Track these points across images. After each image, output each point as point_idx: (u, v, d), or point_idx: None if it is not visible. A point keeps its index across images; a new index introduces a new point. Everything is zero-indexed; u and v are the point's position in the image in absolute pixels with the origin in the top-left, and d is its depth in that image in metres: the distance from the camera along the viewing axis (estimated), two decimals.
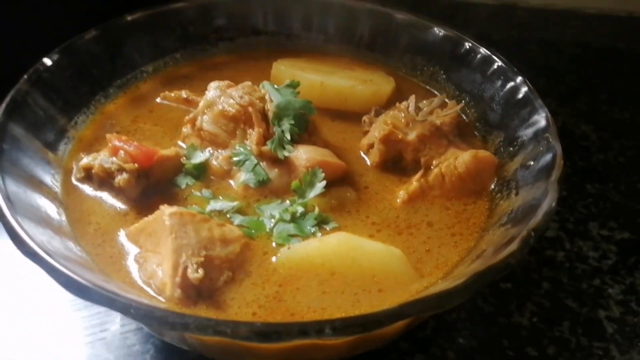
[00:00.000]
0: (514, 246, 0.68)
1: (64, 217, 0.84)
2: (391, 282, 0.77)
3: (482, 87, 1.05)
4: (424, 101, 1.07)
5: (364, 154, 1.00)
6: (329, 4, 1.23)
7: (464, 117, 1.08)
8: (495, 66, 1.05)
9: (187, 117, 0.98)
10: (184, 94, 1.08)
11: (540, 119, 0.89)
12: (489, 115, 1.04)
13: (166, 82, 1.15)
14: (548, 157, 0.83)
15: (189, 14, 1.19)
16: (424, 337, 0.97)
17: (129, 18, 1.12)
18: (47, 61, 0.98)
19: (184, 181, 0.91)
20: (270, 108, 0.93)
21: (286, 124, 0.91)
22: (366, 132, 1.01)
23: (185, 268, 0.73)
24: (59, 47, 1.01)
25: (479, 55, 1.07)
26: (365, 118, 1.02)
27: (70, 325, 0.94)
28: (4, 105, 0.86)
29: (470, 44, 1.09)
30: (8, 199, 0.71)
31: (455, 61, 1.11)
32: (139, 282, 0.77)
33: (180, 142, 1.00)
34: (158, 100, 1.10)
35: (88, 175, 0.90)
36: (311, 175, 0.88)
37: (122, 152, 0.87)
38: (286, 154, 0.90)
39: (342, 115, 1.08)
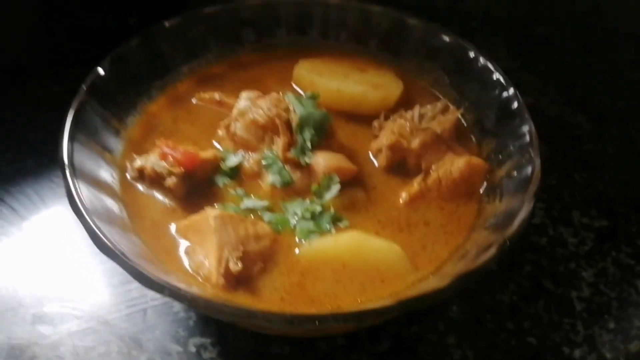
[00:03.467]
0: (491, 252, 0.85)
1: (124, 214, 1.02)
2: (391, 274, 0.95)
3: (480, 94, 1.18)
4: (428, 106, 1.21)
5: (373, 156, 1.16)
6: (346, 9, 1.35)
7: (463, 122, 1.23)
8: (493, 77, 1.16)
9: (222, 123, 1.14)
10: (216, 96, 1.23)
11: (526, 133, 1.03)
12: (484, 122, 1.18)
13: (201, 81, 1.30)
14: (528, 170, 0.98)
15: (220, 17, 1.32)
16: (420, 312, 1.16)
17: (167, 24, 1.26)
18: (101, 71, 1.13)
19: (221, 180, 1.09)
20: (294, 118, 1.08)
21: (307, 134, 1.07)
22: (376, 136, 1.17)
23: (227, 261, 0.91)
24: (108, 55, 1.16)
25: (479, 65, 1.19)
26: (375, 123, 1.17)
27: (123, 296, 1.14)
28: (70, 117, 1.02)
29: (473, 54, 1.21)
30: (86, 208, 0.88)
31: (459, 68, 1.24)
32: (190, 270, 0.96)
33: (215, 143, 1.16)
34: (193, 101, 1.25)
35: (141, 175, 1.08)
36: (328, 179, 1.05)
37: (170, 157, 1.04)
38: (307, 160, 1.06)
39: (355, 117, 1.23)
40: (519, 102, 1.08)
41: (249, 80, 1.31)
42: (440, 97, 1.28)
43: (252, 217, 1.02)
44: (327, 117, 1.09)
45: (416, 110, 1.13)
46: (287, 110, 1.10)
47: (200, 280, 0.94)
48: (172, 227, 1.02)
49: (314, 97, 1.11)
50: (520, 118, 1.06)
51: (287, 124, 1.09)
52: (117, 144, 1.14)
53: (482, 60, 1.20)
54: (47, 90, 1.50)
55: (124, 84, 1.18)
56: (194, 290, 0.83)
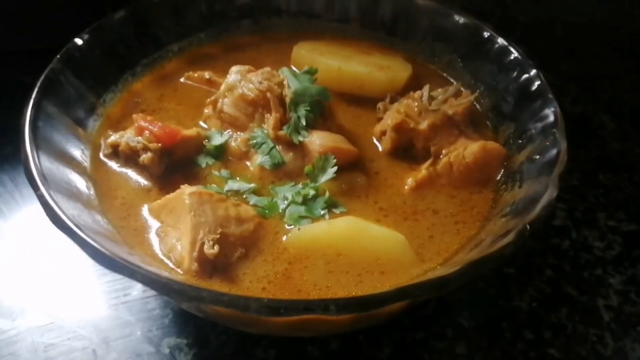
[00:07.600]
0: (509, 238, 0.72)
1: (92, 191, 0.90)
2: (393, 265, 0.82)
3: (497, 77, 1.07)
4: (439, 89, 1.09)
5: (377, 140, 1.04)
6: None
7: (478, 107, 1.11)
8: (511, 57, 1.06)
9: (208, 99, 1.03)
10: (206, 75, 1.12)
11: (550, 114, 0.91)
12: (502, 106, 1.06)
13: (190, 61, 1.20)
14: (553, 152, 0.86)
15: None
16: (425, 316, 1.03)
17: None
18: (78, 41, 1.03)
19: (204, 160, 0.97)
20: (288, 94, 0.97)
21: (302, 110, 0.95)
22: (380, 119, 1.05)
23: (202, 244, 0.79)
24: (89, 27, 1.06)
25: (496, 46, 1.09)
26: (380, 105, 1.06)
27: (95, 289, 1.02)
28: (38, 83, 0.92)
29: (488, 34, 1.10)
30: (43, 176, 0.77)
31: (473, 50, 1.13)
32: (160, 254, 0.84)
33: (201, 123, 1.05)
34: (182, 80, 1.15)
35: (115, 152, 0.96)
36: (323, 160, 0.92)
37: (147, 132, 0.93)
38: (301, 139, 0.94)
39: (357, 100, 1.11)
40: (541, 82, 0.96)
41: (244, 61, 1.20)
42: (453, 81, 1.16)
43: (236, 199, 0.90)
44: (325, 92, 0.98)
45: (425, 90, 1.01)
46: (280, 85, 0.99)
47: (172, 265, 0.82)
48: (145, 209, 0.90)
49: (311, 72, 1.00)
50: (543, 98, 0.94)
51: (280, 99, 0.97)
52: (92, 121, 1.03)
53: (498, 40, 1.09)
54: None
55: (105, 59, 1.08)
56: (152, 269, 0.70)
